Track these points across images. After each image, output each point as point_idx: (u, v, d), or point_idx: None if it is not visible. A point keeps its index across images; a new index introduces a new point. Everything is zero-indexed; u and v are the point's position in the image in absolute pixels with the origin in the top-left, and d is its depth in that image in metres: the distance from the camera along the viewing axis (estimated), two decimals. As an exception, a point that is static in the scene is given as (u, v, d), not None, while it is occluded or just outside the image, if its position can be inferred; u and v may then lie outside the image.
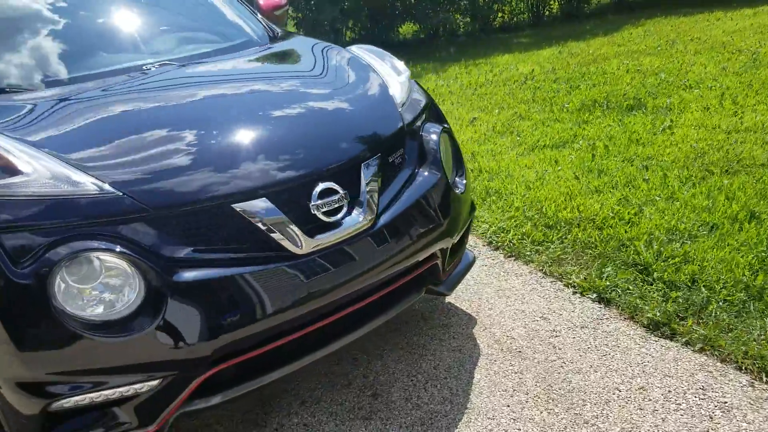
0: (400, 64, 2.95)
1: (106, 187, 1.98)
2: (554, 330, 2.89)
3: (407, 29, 11.18)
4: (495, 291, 3.26)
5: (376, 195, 2.30)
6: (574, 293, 3.15)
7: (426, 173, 2.53)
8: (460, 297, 3.23)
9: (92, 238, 1.92)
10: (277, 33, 3.44)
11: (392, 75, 2.82)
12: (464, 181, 2.71)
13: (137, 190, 1.99)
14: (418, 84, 2.98)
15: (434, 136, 2.61)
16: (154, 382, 1.99)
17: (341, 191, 2.20)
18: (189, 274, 1.96)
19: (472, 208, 2.88)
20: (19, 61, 2.73)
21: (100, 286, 1.93)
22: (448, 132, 2.74)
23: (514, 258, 3.55)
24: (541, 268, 3.40)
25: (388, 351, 2.87)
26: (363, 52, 3.02)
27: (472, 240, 3.79)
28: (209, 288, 1.98)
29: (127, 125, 2.28)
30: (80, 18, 3.05)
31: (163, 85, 2.65)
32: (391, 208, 2.36)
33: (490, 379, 2.64)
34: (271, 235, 2.07)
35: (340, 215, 2.19)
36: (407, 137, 2.56)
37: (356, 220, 2.23)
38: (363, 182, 2.28)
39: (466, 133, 5.54)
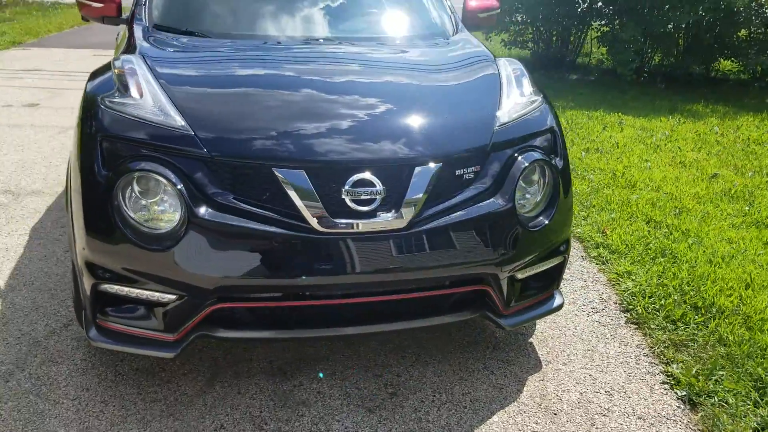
0: (528, 88, 2.83)
1: (184, 124, 2.32)
2: (608, 409, 2.61)
3: (726, 65, 10.06)
4: (586, 349, 3.00)
5: (420, 200, 2.32)
6: (664, 382, 2.78)
7: (494, 198, 2.44)
8: (545, 341, 3.05)
9: (161, 162, 2.28)
10: (456, 32, 3.50)
11: (513, 94, 2.73)
12: (546, 221, 2.55)
13: (205, 135, 2.30)
14: (552, 112, 2.83)
15: (522, 165, 2.50)
16: (173, 296, 2.30)
17: (379, 186, 2.27)
18: (218, 215, 2.23)
19: (558, 251, 2.69)
20: (211, 13, 3.25)
21: (160, 202, 2.29)
22: (549, 165, 2.58)
23: (635, 326, 3.21)
24: (653, 345, 3.03)
25: (437, 362, 2.86)
26: (505, 66, 2.95)
27: (605, 292, 3.50)
28: (228, 232, 2.22)
29: (238, 80, 2.63)
30: None
31: (301, 57, 2.94)
32: (435, 219, 2.35)
33: (504, 426, 2.50)
34: (298, 205, 2.23)
35: (369, 207, 2.27)
36: (491, 157, 2.50)
37: (386, 217, 2.28)
38: (410, 185, 2.31)
39: (694, 188, 4.97)
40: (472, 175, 2.46)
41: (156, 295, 2.33)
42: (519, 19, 9.61)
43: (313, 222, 2.24)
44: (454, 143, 2.46)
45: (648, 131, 6.57)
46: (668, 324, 3.17)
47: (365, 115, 2.49)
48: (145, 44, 2.90)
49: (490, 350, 2.97)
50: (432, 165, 2.36)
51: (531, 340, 3.07)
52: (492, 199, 2.45)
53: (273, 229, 2.23)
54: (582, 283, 3.61)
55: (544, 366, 2.88)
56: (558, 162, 2.66)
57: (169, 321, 2.36)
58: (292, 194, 2.24)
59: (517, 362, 2.89)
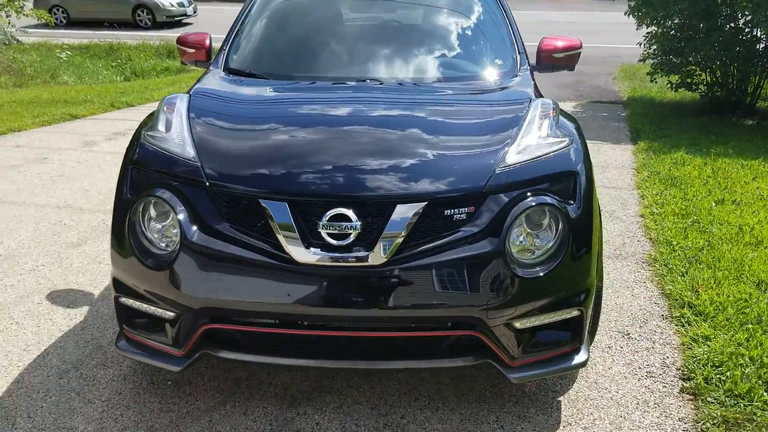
0: (546, 130, 2.67)
1: (194, 155, 2.53)
2: (610, 482, 2.35)
3: None
4: (617, 415, 2.74)
5: (399, 238, 2.30)
6: (692, 463, 2.45)
7: (484, 241, 2.35)
8: (575, 401, 2.83)
9: (172, 190, 2.50)
10: (517, 73, 3.41)
11: (531, 136, 2.62)
12: (543, 270, 2.39)
13: (209, 166, 2.49)
14: (580, 155, 2.66)
15: (522, 209, 2.38)
16: (171, 314, 2.49)
17: (355, 221, 2.30)
18: (208, 240, 2.39)
19: (570, 303, 2.50)
20: (277, 57, 3.50)
21: (167, 226, 2.51)
22: (558, 210, 2.43)
23: (689, 396, 2.86)
24: (699, 420, 2.69)
25: (448, 409, 2.77)
26: (536, 107, 2.82)
27: (670, 357, 3.16)
28: (214, 257, 2.38)
29: (257, 118, 2.86)
30: (359, 29, 3.66)
31: (334, 98, 3.10)
32: (416, 258, 2.32)
33: (486, 483, 2.36)
34: (278, 235, 2.33)
35: (344, 242, 2.30)
36: (489, 198, 2.41)
37: (361, 253, 2.30)
38: (389, 222, 2.31)
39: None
40: (464, 216, 2.39)
41: (159, 311, 2.53)
42: (690, 60, 8.95)
43: (291, 252, 2.32)
44: (444, 183, 2.42)
45: (809, 183, 5.80)
46: (728, 399, 2.79)
47: (360, 152, 2.54)
48: (202, 84, 3.21)
49: (511, 404, 2.81)
50: (415, 204, 2.34)
51: (561, 398, 2.86)
52: (482, 242, 2.36)
53: (255, 256, 2.35)
54: (649, 344, 3.28)
55: (561, 428, 2.67)
56: (573, 208, 2.49)
57: (175, 336, 2.54)
58: (274, 225, 2.34)
59: (533, 420, 2.71)
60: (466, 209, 2.40)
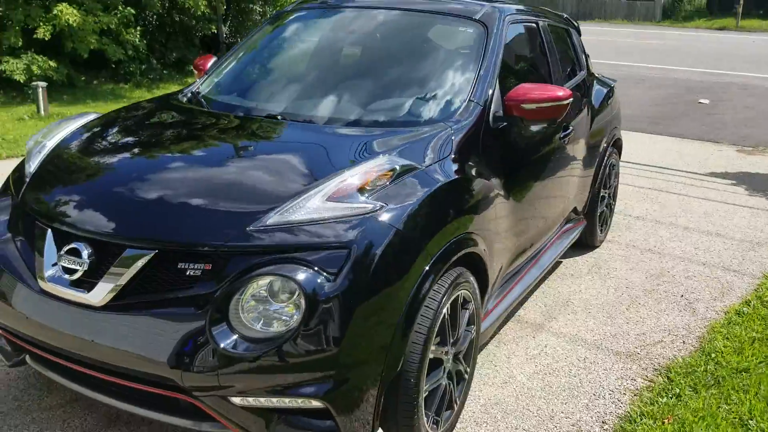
0: (327, 192, 2.38)
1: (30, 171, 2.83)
2: None
3: None
4: None
5: (120, 283, 2.25)
6: None
7: (207, 304, 2.17)
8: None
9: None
10: (438, 125, 2.93)
11: (316, 198, 2.34)
12: (261, 349, 2.10)
13: (24, 187, 2.75)
14: (378, 228, 2.29)
15: (253, 276, 2.17)
16: None
17: (86, 257, 2.30)
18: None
19: (303, 391, 2.17)
20: (230, 82, 3.62)
21: None
22: (297, 284, 2.12)
23: None
24: None
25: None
26: (366, 165, 2.53)
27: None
28: None
29: (113, 140, 3.04)
30: (323, 57, 3.66)
31: (197, 134, 3.05)
32: (135, 308, 2.25)
33: None
34: (37, 259, 2.42)
35: (72, 277, 2.31)
36: (229, 258, 2.22)
37: (81, 291, 2.29)
38: (114, 265, 2.27)
39: None
40: (199, 272, 2.22)
41: None
42: None
43: (39, 277, 2.38)
44: (183, 234, 2.28)
45: None
46: None
47: (131, 190, 2.50)
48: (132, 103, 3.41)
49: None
50: (144, 251, 2.26)
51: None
52: (200, 305, 2.17)
53: (21, 274, 2.46)
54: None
55: None
56: (328, 288, 2.14)
57: None
58: (38, 248, 2.43)
59: None
60: (202, 266, 2.23)
